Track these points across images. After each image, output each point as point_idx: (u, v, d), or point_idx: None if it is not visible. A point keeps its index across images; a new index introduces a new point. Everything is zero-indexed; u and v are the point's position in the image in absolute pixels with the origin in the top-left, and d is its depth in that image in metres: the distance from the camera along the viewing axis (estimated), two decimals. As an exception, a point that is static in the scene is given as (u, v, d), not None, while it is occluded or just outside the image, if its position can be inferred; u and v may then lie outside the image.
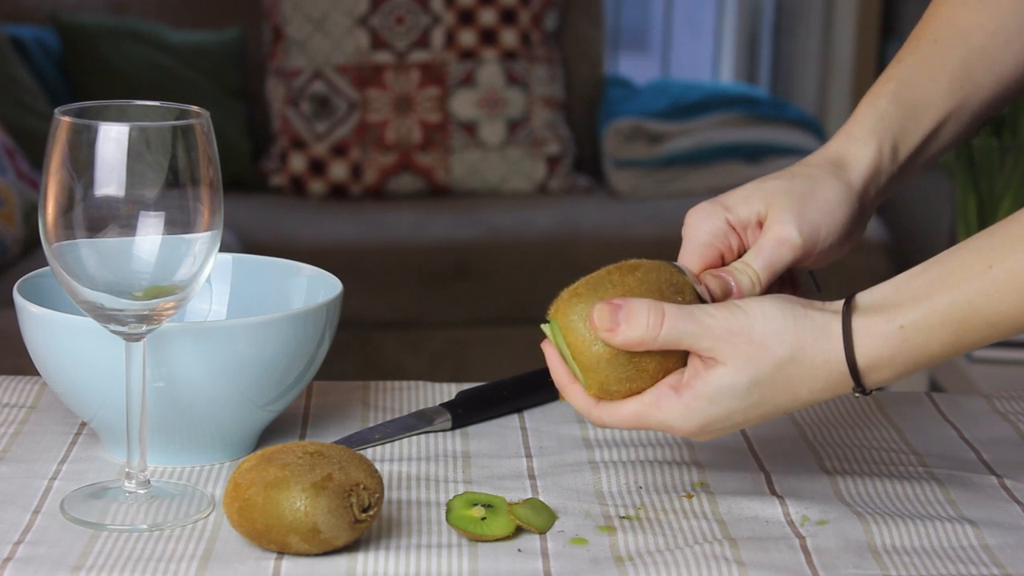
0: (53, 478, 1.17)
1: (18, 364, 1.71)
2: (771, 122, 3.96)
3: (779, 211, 1.13)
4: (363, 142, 3.92)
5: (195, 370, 1.14)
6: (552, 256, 3.63)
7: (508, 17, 3.97)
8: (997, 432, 1.31)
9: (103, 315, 1.08)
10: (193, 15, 4.05)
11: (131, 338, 1.09)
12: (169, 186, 1.05)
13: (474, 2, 3.96)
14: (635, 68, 4.68)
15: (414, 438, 1.26)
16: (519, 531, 1.09)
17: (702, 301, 1.09)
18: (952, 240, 2.83)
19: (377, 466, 1.15)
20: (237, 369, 1.15)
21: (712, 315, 1.05)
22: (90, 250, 1.05)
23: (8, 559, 1.04)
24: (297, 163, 3.93)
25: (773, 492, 1.17)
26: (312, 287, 1.28)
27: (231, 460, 1.20)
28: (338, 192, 3.93)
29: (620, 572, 1.04)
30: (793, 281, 1.17)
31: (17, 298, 1.18)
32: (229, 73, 3.97)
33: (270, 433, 1.25)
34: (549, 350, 1.09)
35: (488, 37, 3.97)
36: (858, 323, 1.03)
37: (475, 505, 1.09)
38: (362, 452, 1.22)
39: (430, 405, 1.32)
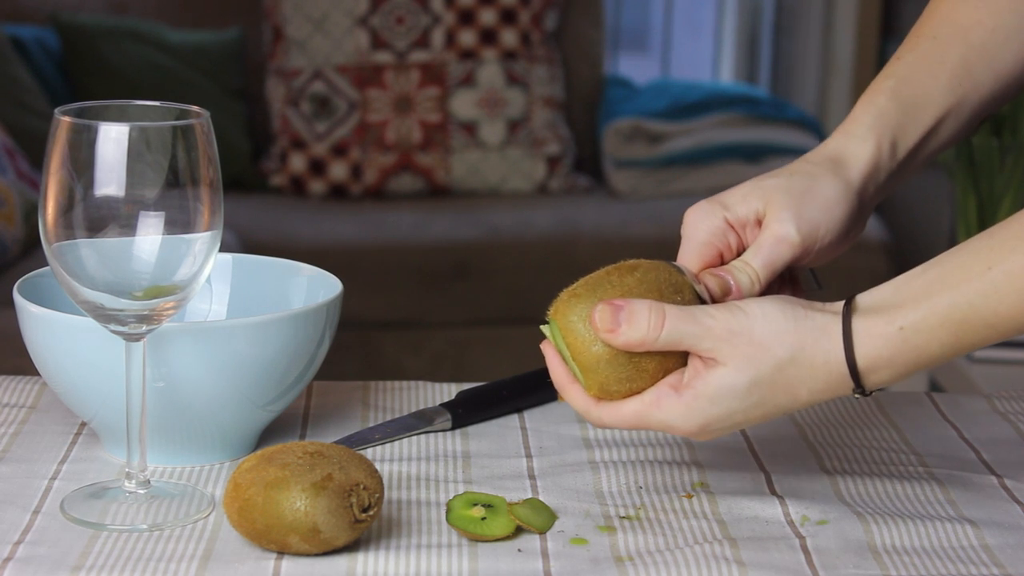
0: (53, 478, 1.17)
1: (18, 364, 1.71)
2: (771, 122, 3.96)
3: (777, 209, 1.12)
4: (363, 142, 3.92)
5: (195, 370, 1.14)
6: (552, 256, 3.63)
7: (508, 17, 3.97)
8: (997, 432, 1.31)
9: (103, 315, 1.08)
10: (193, 15, 4.05)
11: (131, 338, 1.09)
12: (169, 186, 1.05)
13: (474, 2, 3.96)
14: (635, 68, 4.68)
15: (414, 438, 1.26)
16: (519, 531, 1.09)
17: (701, 301, 1.09)
18: (952, 240, 2.83)
19: (377, 466, 1.15)
20: (237, 369, 1.15)
21: (712, 316, 1.05)
22: (90, 250, 1.05)
23: (8, 559, 1.04)
24: (297, 163, 3.93)
25: (773, 492, 1.17)
26: (312, 287, 1.28)
27: (231, 460, 1.20)
28: (338, 192, 3.93)
29: (620, 572, 1.04)
30: (793, 279, 1.17)
31: (17, 298, 1.18)
32: (229, 73, 3.97)
33: (270, 433, 1.25)
34: (548, 351, 1.09)
35: (488, 37, 3.97)
36: (858, 324, 1.03)
37: (475, 505, 1.09)
38: (362, 452, 1.22)
39: (430, 405, 1.32)
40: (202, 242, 1.07)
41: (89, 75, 3.86)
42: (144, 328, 1.09)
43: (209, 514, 1.11)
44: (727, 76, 4.70)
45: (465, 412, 1.29)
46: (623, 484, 1.18)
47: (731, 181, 1.18)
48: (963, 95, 1.17)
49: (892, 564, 1.06)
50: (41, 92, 3.68)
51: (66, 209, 1.04)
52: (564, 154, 3.98)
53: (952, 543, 1.09)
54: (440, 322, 3.63)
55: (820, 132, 3.98)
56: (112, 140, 1.03)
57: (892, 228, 3.96)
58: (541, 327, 1.09)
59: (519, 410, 1.32)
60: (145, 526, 1.09)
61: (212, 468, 1.19)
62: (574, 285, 1.08)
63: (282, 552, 1.05)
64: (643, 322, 1.05)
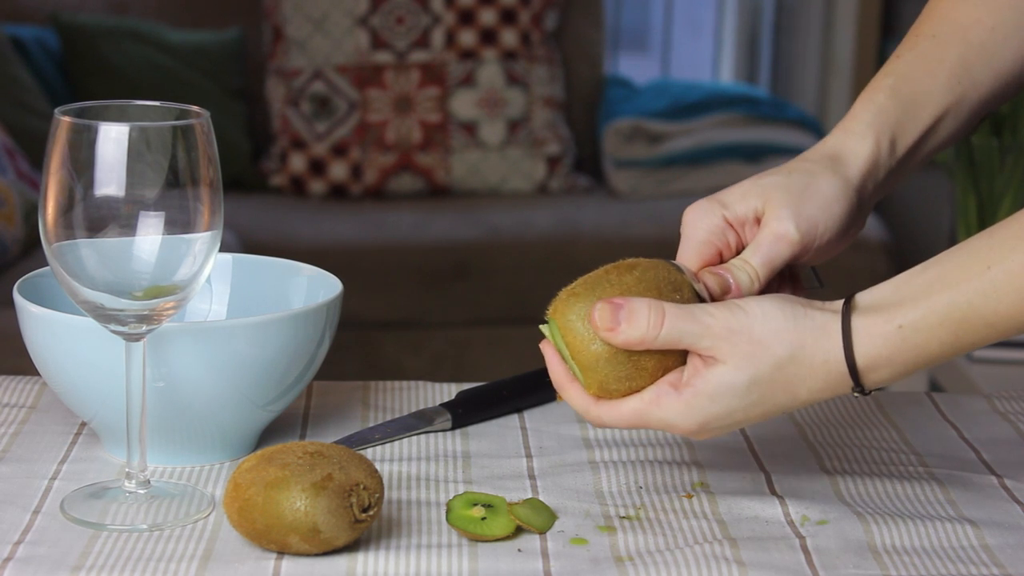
0: (53, 478, 1.17)
1: (18, 364, 1.71)
2: (771, 122, 3.96)
3: (776, 207, 1.12)
4: (363, 142, 3.92)
5: (195, 370, 1.14)
6: (552, 256, 3.63)
7: (508, 17, 3.97)
8: (997, 432, 1.31)
9: (103, 315, 1.08)
10: (193, 15, 4.05)
11: (131, 338, 1.09)
12: (169, 186, 1.05)
13: (474, 2, 3.96)
14: (635, 68, 4.68)
15: (414, 438, 1.26)
16: (519, 531, 1.09)
17: (700, 299, 1.09)
18: (952, 240, 2.83)
19: (377, 466, 1.15)
20: (237, 369, 1.15)
21: (712, 314, 1.05)
22: (90, 250, 1.05)
23: (8, 559, 1.04)
24: (297, 163, 3.93)
25: (773, 492, 1.17)
26: (312, 287, 1.28)
27: (231, 460, 1.20)
28: (338, 192, 3.93)
29: (620, 572, 1.04)
30: (793, 277, 1.17)
31: (17, 298, 1.18)
32: (229, 73, 3.97)
33: (270, 433, 1.25)
34: (548, 350, 1.09)
35: (488, 37, 3.97)
36: (857, 323, 1.03)
37: (475, 505, 1.09)
38: (362, 452, 1.22)
39: (430, 405, 1.32)
40: (202, 242, 1.07)
41: (89, 75, 3.86)
42: (144, 328, 1.09)
43: (209, 514, 1.11)
44: (727, 76, 4.70)
45: (465, 412, 1.29)
46: (623, 484, 1.18)
47: (731, 181, 1.17)
48: (962, 93, 1.17)
49: (892, 564, 1.06)
50: (41, 92, 3.68)
51: (66, 209, 1.04)
52: (564, 154, 3.99)
53: (952, 543, 1.09)
54: (440, 322, 3.63)
55: (820, 132, 3.98)
56: (112, 140, 1.03)
57: (892, 228, 3.96)
58: (540, 327, 1.09)
59: (519, 410, 1.32)
60: (145, 526, 1.09)
61: (212, 468, 1.19)
62: (573, 284, 1.08)
63: (282, 552, 1.05)
64: (643, 320, 1.04)
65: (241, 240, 3.45)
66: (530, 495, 1.16)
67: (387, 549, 1.06)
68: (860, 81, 4.24)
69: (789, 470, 1.21)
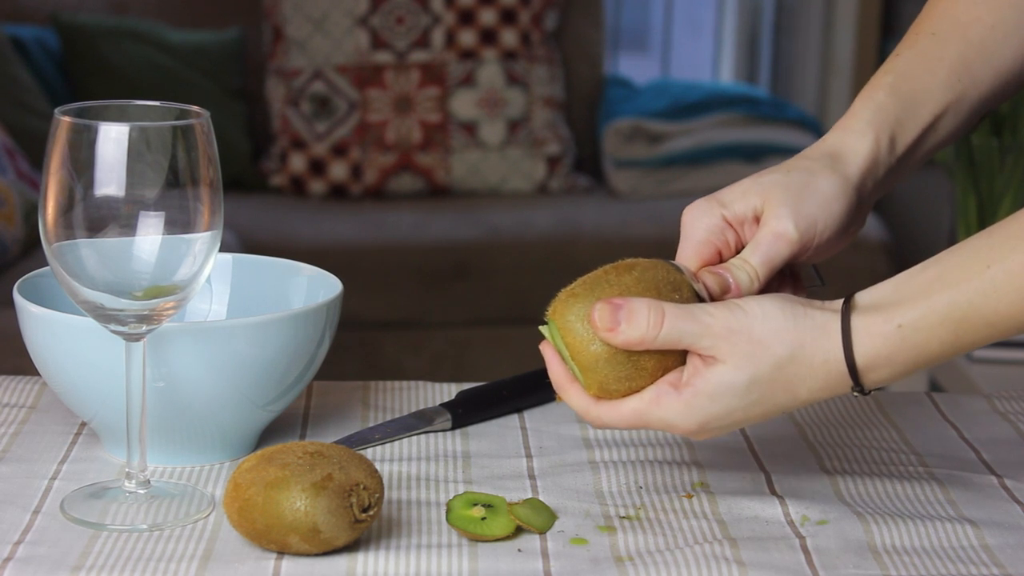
0: (53, 478, 1.17)
1: (18, 364, 1.71)
2: (771, 122, 3.96)
3: (775, 206, 1.12)
4: (363, 142, 3.92)
5: (195, 370, 1.14)
6: (552, 256, 3.63)
7: (508, 17, 3.97)
8: (997, 432, 1.31)
9: (103, 315, 1.08)
10: (193, 15, 4.05)
11: (131, 338, 1.09)
12: (169, 186, 1.05)
13: (474, 2, 3.96)
14: (635, 68, 4.68)
15: (414, 438, 1.26)
16: (519, 531, 1.09)
17: (699, 299, 1.09)
18: (952, 240, 2.83)
19: (377, 466, 1.15)
20: (237, 369, 1.15)
21: (712, 314, 1.04)
22: (90, 250, 1.05)
23: (8, 559, 1.04)
24: (297, 163, 3.93)
25: (773, 492, 1.17)
26: (312, 287, 1.28)
27: (231, 460, 1.20)
28: (338, 192, 3.93)
29: (620, 572, 1.04)
30: (794, 275, 1.17)
31: (17, 298, 1.18)
32: (229, 73, 3.97)
33: (270, 433, 1.25)
34: (548, 351, 1.09)
35: (488, 37, 3.97)
36: (857, 322, 1.03)
37: (475, 505, 1.09)
38: (362, 452, 1.22)
39: (430, 405, 1.32)
40: (202, 242, 1.07)
41: (89, 75, 3.86)
42: (144, 328, 1.09)
43: (209, 514, 1.11)
44: (727, 76, 4.70)
45: (465, 412, 1.29)
46: (623, 484, 1.18)
47: (731, 181, 1.17)
48: (962, 91, 1.17)
49: (892, 564, 1.06)
50: (41, 92, 3.68)
51: (66, 209, 1.04)
52: (564, 154, 3.99)
53: (952, 543, 1.09)
54: (440, 322, 3.63)
55: (820, 132, 3.98)
56: (112, 140, 1.03)
57: (892, 228, 3.96)
58: (540, 328, 1.09)
59: (519, 410, 1.32)
60: (145, 526, 1.09)
61: (212, 468, 1.19)
62: (572, 285, 1.08)
63: (282, 552, 1.05)
64: (642, 320, 1.04)
65: (241, 240, 3.45)
66: (530, 495, 1.16)
67: (387, 549, 1.06)
68: (860, 81, 4.24)
69: (789, 470, 1.21)
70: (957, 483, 1.20)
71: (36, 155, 3.20)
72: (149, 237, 1.05)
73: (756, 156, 3.89)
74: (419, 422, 1.27)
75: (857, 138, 1.15)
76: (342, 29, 3.93)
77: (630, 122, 3.95)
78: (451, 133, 3.93)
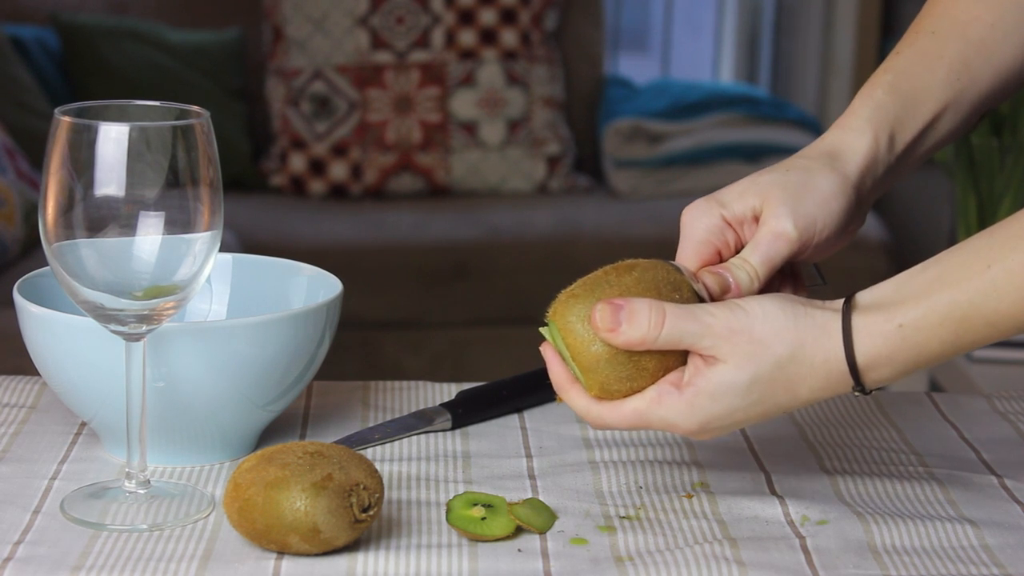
0: (53, 478, 1.17)
1: (18, 364, 1.71)
2: (771, 122, 3.96)
3: (774, 205, 1.12)
4: (363, 142, 3.92)
5: (195, 370, 1.14)
6: (552, 256, 3.63)
7: (508, 17, 3.97)
8: (997, 432, 1.31)
9: (103, 315, 1.08)
10: (193, 15, 4.05)
11: (131, 338, 1.09)
12: (169, 186, 1.05)
13: (474, 2, 3.96)
14: (635, 68, 4.68)
15: (414, 438, 1.26)
16: (519, 531, 1.09)
17: (699, 299, 1.09)
18: (952, 240, 2.83)
19: (377, 466, 1.15)
20: (237, 369, 1.15)
21: (713, 314, 1.04)
22: (90, 250, 1.05)
23: (8, 559, 1.04)
24: (297, 163, 3.93)
25: (773, 492, 1.17)
26: (312, 287, 1.28)
27: (231, 460, 1.20)
28: (338, 192, 3.93)
29: (620, 572, 1.04)
30: (795, 274, 1.17)
31: (17, 298, 1.18)
32: (229, 73, 3.97)
33: (270, 433, 1.25)
34: (548, 352, 1.09)
35: (488, 37, 3.97)
36: (858, 321, 1.03)
37: (475, 505, 1.09)
38: (362, 452, 1.22)
39: (430, 405, 1.32)
40: (202, 242, 1.07)
41: (89, 75, 3.86)
42: (144, 328, 1.09)
43: (209, 514, 1.11)
44: (727, 76, 4.70)
45: (465, 412, 1.29)
46: (623, 484, 1.18)
47: (731, 181, 1.17)
48: (961, 90, 1.17)
49: (892, 564, 1.06)
50: (41, 92, 3.68)
51: (66, 209, 1.04)
52: (564, 154, 3.99)
53: (952, 543, 1.09)
54: (440, 322, 3.63)
55: (820, 132, 3.96)
56: (112, 140, 1.03)
57: (892, 228, 3.96)
58: (540, 329, 1.09)
59: (519, 410, 1.32)
60: (145, 526, 1.09)
61: (212, 468, 1.19)
62: (572, 286, 1.08)
63: (282, 552, 1.05)
64: (643, 321, 1.04)
65: (241, 240, 3.45)
66: (530, 495, 1.16)
67: (387, 549, 1.06)
68: (860, 81, 4.24)
69: (789, 470, 1.21)
70: (957, 483, 1.20)
71: (36, 155, 3.20)
72: (149, 237, 1.05)
73: (756, 156, 3.89)
74: (419, 422, 1.27)
75: (856, 136, 1.15)
76: (342, 29, 3.93)
77: (630, 122, 3.95)
78: (451, 133, 3.93)
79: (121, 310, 1.07)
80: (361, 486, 1.04)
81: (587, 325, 1.06)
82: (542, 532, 1.09)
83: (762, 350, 1.03)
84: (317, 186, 3.92)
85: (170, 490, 1.14)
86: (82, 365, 1.15)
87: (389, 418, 1.30)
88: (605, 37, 4.25)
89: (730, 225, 1.13)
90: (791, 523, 1.12)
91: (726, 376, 1.04)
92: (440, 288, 3.62)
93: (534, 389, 1.32)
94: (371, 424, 1.28)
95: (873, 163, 1.15)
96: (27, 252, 3.09)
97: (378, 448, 1.24)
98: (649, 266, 1.09)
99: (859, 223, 1.16)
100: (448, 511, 1.09)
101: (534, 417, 1.31)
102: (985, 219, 2.71)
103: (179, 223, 1.05)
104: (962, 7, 1.18)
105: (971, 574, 1.05)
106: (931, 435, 1.30)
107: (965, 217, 2.73)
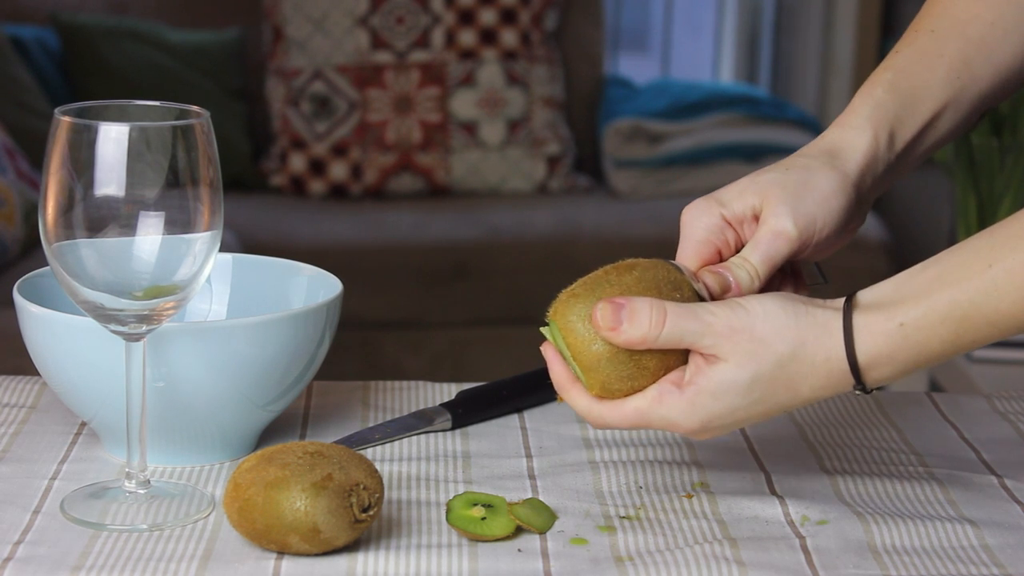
0: (53, 478, 1.17)
1: (18, 364, 1.71)
2: (771, 122, 3.96)
3: (774, 204, 1.12)
4: (363, 142, 3.92)
5: (195, 370, 1.14)
6: (552, 256, 3.63)
7: (508, 17, 3.97)
8: (997, 432, 1.31)
9: (103, 315, 1.08)
10: (193, 15, 4.05)
11: (131, 338, 1.09)
12: (169, 186, 1.05)
13: (474, 2, 3.96)
14: (635, 68, 4.68)
15: (414, 438, 1.26)
16: (519, 531, 1.09)
17: (700, 298, 1.09)
18: (952, 240, 2.83)
19: (377, 466, 1.15)
20: (237, 369, 1.15)
21: (714, 313, 1.04)
22: (90, 250, 1.05)
23: (8, 559, 1.04)
24: (297, 163, 3.93)
25: (773, 492, 1.17)
26: (312, 287, 1.28)
27: (231, 460, 1.20)
28: (338, 192, 3.93)
29: (620, 572, 1.04)
30: (795, 273, 1.17)
31: (17, 298, 1.18)
32: (229, 73, 3.97)
33: (270, 433, 1.25)
34: (549, 352, 1.09)
35: (488, 37, 3.97)
36: (859, 320, 1.03)
37: (475, 505, 1.09)
38: (362, 452, 1.22)
39: (430, 405, 1.32)
40: (202, 242, 1.07)
41: (89, 75, 3.86)
42: (144, 328, 1.09)
43: (209, 514, 1.11)
44: (727, 76, 4.70)
45: (465, 412, 1.29)
46: (623, 484, 1.18)
47: (731, 181, 1.17)
48: (961, 88, 1.17)
49: (892, 564, 1.06)
50: (41, 92, 3.68)
51: (66, 209, 1.04)
52: (564, 154, 3.99)
53: (952, 543, 1.09)
54: (440, 322, 3.63)
55: (820, 132, 3.93)
56: (112, 140, 1.03)
57: (892, 228, 3.96)
58: (541, 329, 1.09)
59: (519, 410, 1.32)
60: (145, 526, 1.09)
61: (212, 468, 1.19)
62: (572, 285, 1.08)
63: (282, 552, 1.05)
64: (644, 320, 1.04)
65: (241, 240, 3.45)
66: (530, 495, 1.16)
67: (387, 549, 1.06)
68: (860, 81, 4.24)
69: (789, 470, 1.21)
70: (957, 483, 1.20)
71: (36, 155, 3.20)
72: (149, 237, 1.05)
73: (756, 156, 3.89)
74: (419, 422, 1.27)
75: (856, 134, 1.15)
76: (342, 29, 3.93)
77: (630, 122, 3.95)
78: (451, 133, 3.93)
79: (121, 310, 1.07)
80: (361, 486, 1.04)
81: (588, 324, 1.06)
82: (542, 532, 1.09)
83: (763, 349, 1.03)
84: (317, 186, 3.92)
85: (170, 490, 1.14)
86: (82, 365, 1.15)
87: (389, 418, 1.30)
88: (605, 37, 4.25)
89: (730, 224, 1.13)
90: (791, 523, 1.12)
91: (727, 375, 1.04)
92: (440, 288, 3.62)
93: (534, 389, 1.32)
94: (371, 424, 1.28)
95: (873, 161, 1.15)
96: (27, 252, 3.09)
97: (378, 448, 1.24)
98: (649, 265, 1.09)
99: (859, 221, 1.16)
100: (448, 511, 1.09)
101: (534, 417, 1.31)
102: (985, 219, 2.71)
103: (179, 223, 1.05)
104: (962, 6, 1.18)
105: (971, 574, 1.05)
106: (931, 435, 1.30)
107: (965, 217, 2.73)
